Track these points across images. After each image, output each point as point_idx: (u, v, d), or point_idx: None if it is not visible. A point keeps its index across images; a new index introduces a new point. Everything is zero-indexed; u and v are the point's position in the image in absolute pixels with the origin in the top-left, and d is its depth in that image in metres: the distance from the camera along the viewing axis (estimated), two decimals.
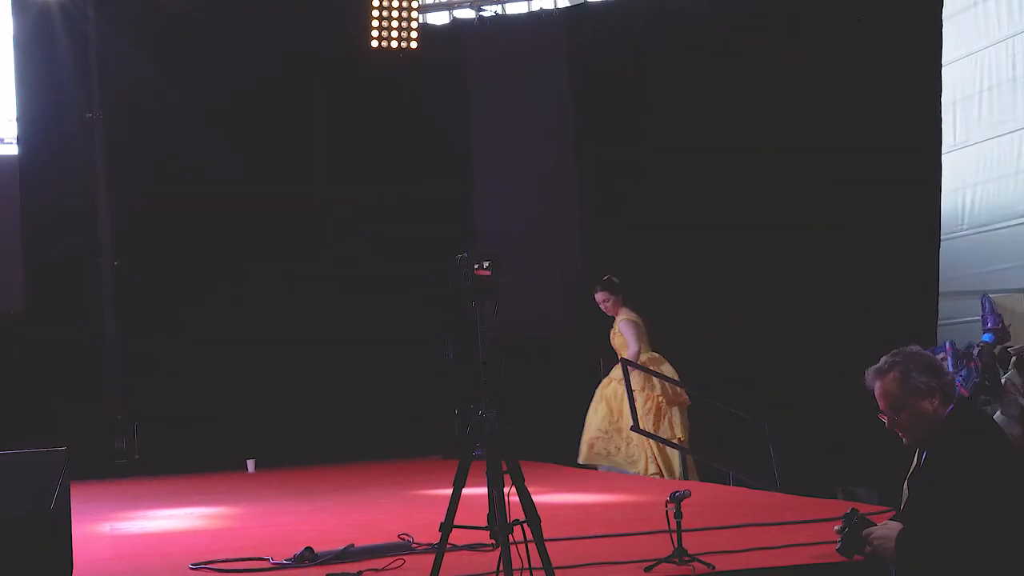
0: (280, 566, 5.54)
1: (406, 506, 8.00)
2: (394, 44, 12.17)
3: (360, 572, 5.19)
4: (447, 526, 4.54)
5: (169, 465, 11.26)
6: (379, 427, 11.73)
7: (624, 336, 10.11)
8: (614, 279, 10.17)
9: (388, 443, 11.68)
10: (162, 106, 11.69)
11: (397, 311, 11.96)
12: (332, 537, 6.17)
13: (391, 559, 5.44)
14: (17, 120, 11.64)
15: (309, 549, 5.63)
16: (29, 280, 11.55)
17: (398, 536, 5.99)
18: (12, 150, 11.65)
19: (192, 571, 5.53)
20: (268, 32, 11.87)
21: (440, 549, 4.55)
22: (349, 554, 5.59)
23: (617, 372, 9.95)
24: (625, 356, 9.96)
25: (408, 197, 12.09)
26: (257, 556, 5.75)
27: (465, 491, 4.55)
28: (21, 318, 11.47)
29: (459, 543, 5.21)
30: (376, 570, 5.26)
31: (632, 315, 10.17)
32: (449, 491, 4.59)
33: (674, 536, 5.04)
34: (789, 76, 11.44)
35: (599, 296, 10.26)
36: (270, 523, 7.55)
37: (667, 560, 5.03)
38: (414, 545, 5.82)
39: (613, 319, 10.23)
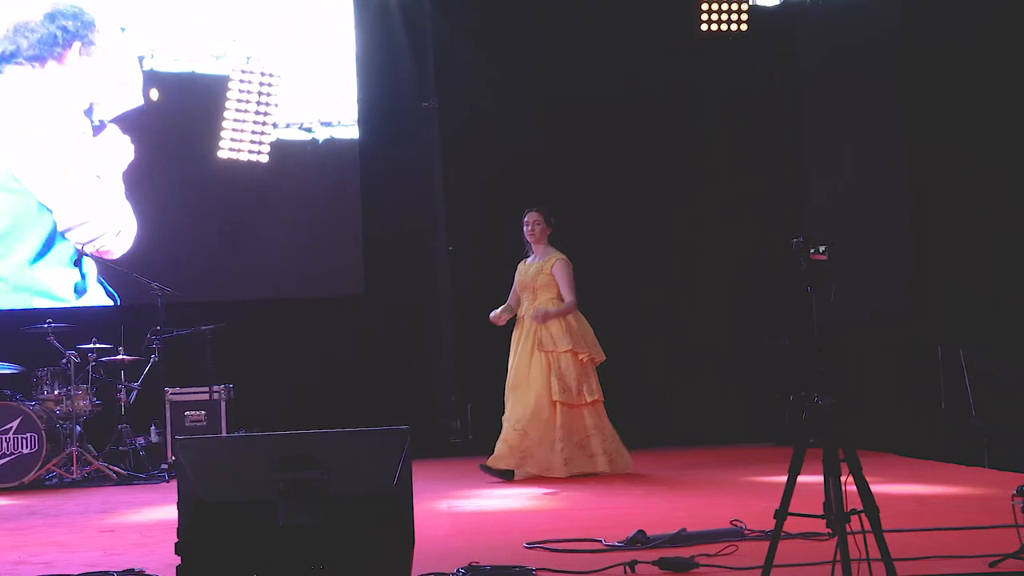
0: (612, 548, 5.59)
1: (738, 492, 7.93)
2: (724, 27, 12.07)
3: (692, 557, 5.17)
4: (782, 513, 4.47)
5: None
6: (708, 412, 11.67)
7: (557, 279, 9.33)
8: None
9: (718, 429, 11.60)
10: (495, 95, 11.93)
11: (728, 296, 11.87)
12: (664, 521, 6.18)
13: (723, 545, 5.41)
14: (357, 105, 12.13)
15: (641, 532, 5.65)
16: (368, 263, 12.01)
17: (730, 522, 5.95)
18: (353, 133, 12.12)
19: (526, 550, 5.64)
20: (596, 19, 11.96)
21: (775, 536, 4.49)
22: (681, 538, 5.59)
23: (554, 335, 9.28)
24: (544, 301, 9.33)
25: (738, 181, 11.98)
26: (589, 537, 5.81)
27: (800, 479, 4.48)
28: (361, 300, 11.95)
29: (793, 531, 5.13)
30: (709, 555, 5.24)
31: (564, 256, 9.43)
32: (781, 478, 4.52)
33: (1022, 531, 4.81)
34: None
35: (532, 216, 9.50)
36: (601, 505, 7.62)
37: (1014, 556, 4.81)
38: (747, 532, 5.77)
39: (524, 258, 9.60)
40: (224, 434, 10.31)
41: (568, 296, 9.33)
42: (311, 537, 4.68)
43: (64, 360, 10.30)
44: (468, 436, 11.89)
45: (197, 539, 4.66)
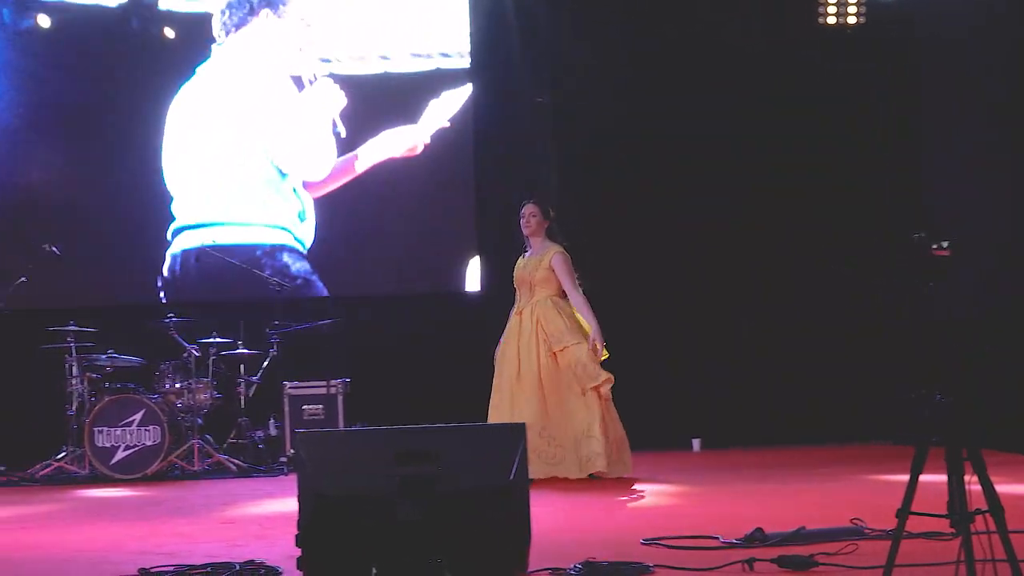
0: (729, 545, 5.55)
1: (858, 490, 7.84)
2: (842, 20, 11.92)
3: (811, 555, 5.11)
4: (904, 512, 4.40)
5: None
6: (827, 410, 11.53)
7: (557, 272, 8.91)
8: None
9: (837, 427, 11.47)
10: (608, 90, 11.90)
11: (845, 292, 11.72)
12: (782, 519, 6.12)
13: (843, 544, 5.33)
14: (472, 104, 12.18)
15: (759, 530, 5.61)
16: (484, 259, 12.04)
17: (850, 521, 5.87)
18: (468, 131, 12.17)
19: (643, 546, 5.63)
20: (713, 11, 11.88)
21: (896, 535, 4.42)
22: (800, 536, 5.53)
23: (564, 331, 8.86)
24: (543, 297, 8.91)
25: (852, 176, 11.83)
26: (706, 535, 5.78)
27: (921, 478, 4.40)
28: (478, 296, 11.99)
29: (915, 531, 5.05)
30: (828, 554, 5.17)
31: (562, 248, 9.03)
32: (900, 477, 4.45)
33: None
34: None
35: (529, 208, 9.06)
36: (717, 502, 7.57)
37: None
38: (867, 531, 5.69)
39: (523, 253, 9.16)
40: (342, 428, 10.42)
41: (573, 292, 8.97)
42: (428, 531, 4.71)
43: (185, 354, 10.49)
44: None
45: (317, 532, 4.72)
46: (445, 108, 12.02)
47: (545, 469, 8.58)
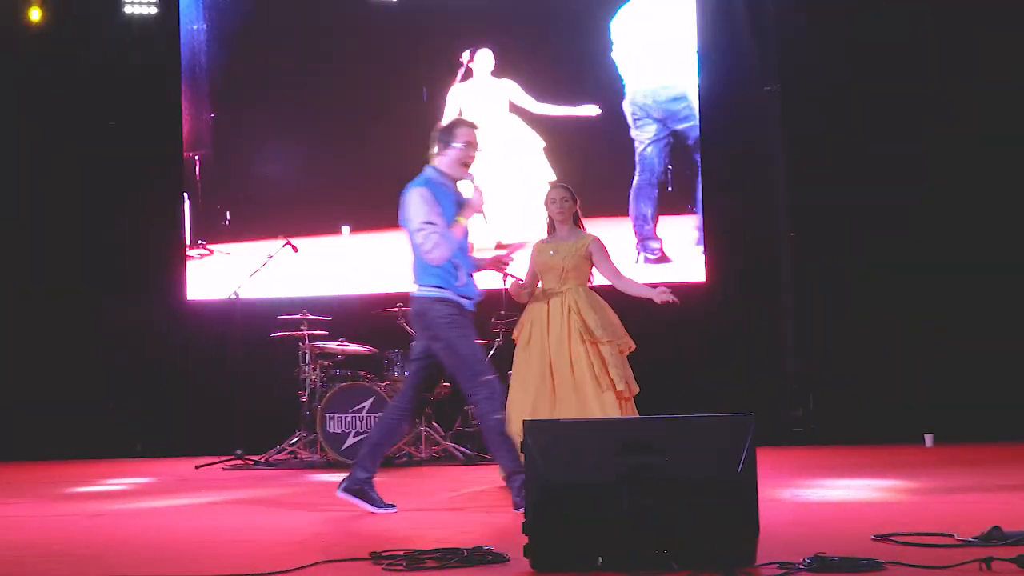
0: (965, 543, 5.37)
1: None
2: None
3: None
4: None
5: (843, 435, 11.30)
6: None
7: (597, 258, 8.21)
8: None
9: None
10: (837, 77, 11.69)
11: None
12: (1021, 516, 5.91)
13: None
14: (699, 92, 12.12)
15: (997, 528, 5.41)
16: (709, 250, 11.96)
17: None
18: (693, 121, 12.13)
19: (874, 542, 5.49)
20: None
21: None
22: None
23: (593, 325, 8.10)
24: (573, 286, 8.17)
25: None
26: (940, 532, 5.61)
27: None
28: (704, 287, 11.92)
29: None
30: None
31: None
32: None
33: None
34: None
35: (560, 192, 8.27)
36: (952, 499, 7.35)
37: None
38: None
39: (547, 238, 8.35)
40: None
41: (619, 275, 8.37)
42: (655, 522, 4.69)
43: (412, 343, 10.66)
44: (811, 425, 11.71)
45: (544, 520, 4.74)
46: None
47: None
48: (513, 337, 8.62)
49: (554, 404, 8.04)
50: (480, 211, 7.07)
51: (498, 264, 7.53)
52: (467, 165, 7.07)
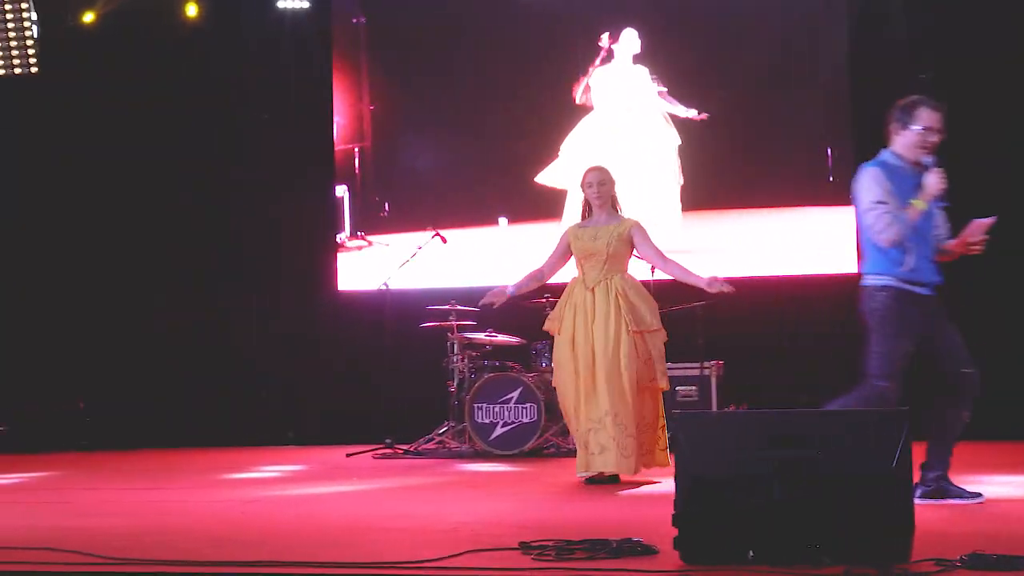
0: None
1: None
2: None
3: None
4: None
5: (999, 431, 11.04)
6: None
7: (640, 243, 8.04)
8: None
9: None
10: (994, 64, 11.42)
11: None
12: None
13: None
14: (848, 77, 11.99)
15: None
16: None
17: None
18: None
19: None
20: None
21: None
22: None
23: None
24: (614, 272, 8.01)
25: None
26: None
27: None
28: (853, 278, 11.68)
29: None
30: None
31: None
32: None
33: None
34: None
35: (599, 175, 8.10)
36: None
37: None
38: None
39: (582, 223, 8.21)
40: (715, 410, 10.41)
41: (664, 260, 8.18)
42: (807, 516, 4.65)
43: None
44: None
45: (693, 512, 4.73)
46: None
47: (625, 464, 7.94)
48: (546, 329, 8.52)
49: (593, 395, 7.99)
50: (936, 196, 6.65)
51: (965, 246, 6.82)
52: (926, 149, 6.70)
